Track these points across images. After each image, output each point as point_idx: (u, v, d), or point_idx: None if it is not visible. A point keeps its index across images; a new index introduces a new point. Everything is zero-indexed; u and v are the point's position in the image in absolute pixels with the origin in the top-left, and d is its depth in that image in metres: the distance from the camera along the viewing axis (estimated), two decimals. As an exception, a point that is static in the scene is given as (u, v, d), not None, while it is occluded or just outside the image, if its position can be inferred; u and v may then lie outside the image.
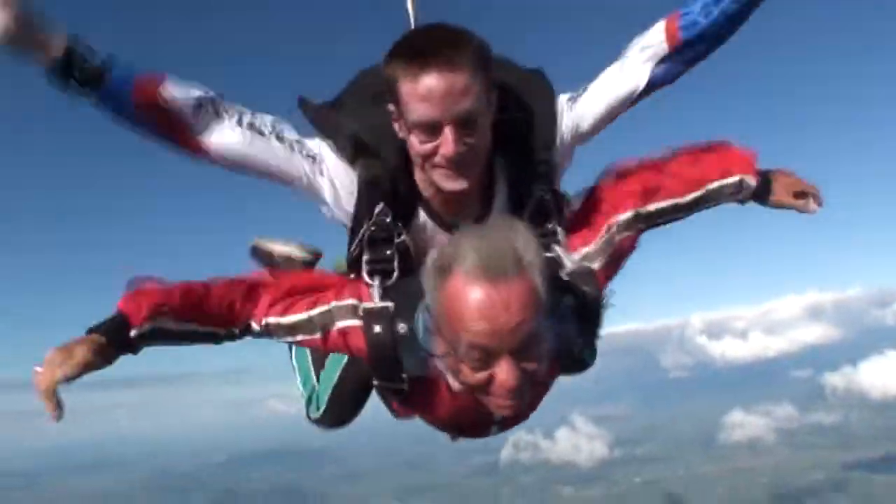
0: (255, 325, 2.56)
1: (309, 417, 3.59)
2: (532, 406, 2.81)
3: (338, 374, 3.32)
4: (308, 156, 2.57)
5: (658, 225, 2.76)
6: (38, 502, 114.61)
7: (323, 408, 3.46)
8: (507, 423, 2.78)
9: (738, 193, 2.80)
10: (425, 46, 2.29)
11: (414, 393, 2.48)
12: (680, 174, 2.76)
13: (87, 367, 2.20)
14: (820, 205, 2.82)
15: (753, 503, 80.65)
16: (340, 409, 3.44)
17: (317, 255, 3.85)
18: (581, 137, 2.65)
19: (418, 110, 2.28)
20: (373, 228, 2.52)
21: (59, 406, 2.16)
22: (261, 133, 2.53)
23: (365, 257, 2.54)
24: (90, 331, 2.29)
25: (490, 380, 2.04)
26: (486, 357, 2.00)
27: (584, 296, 2.29)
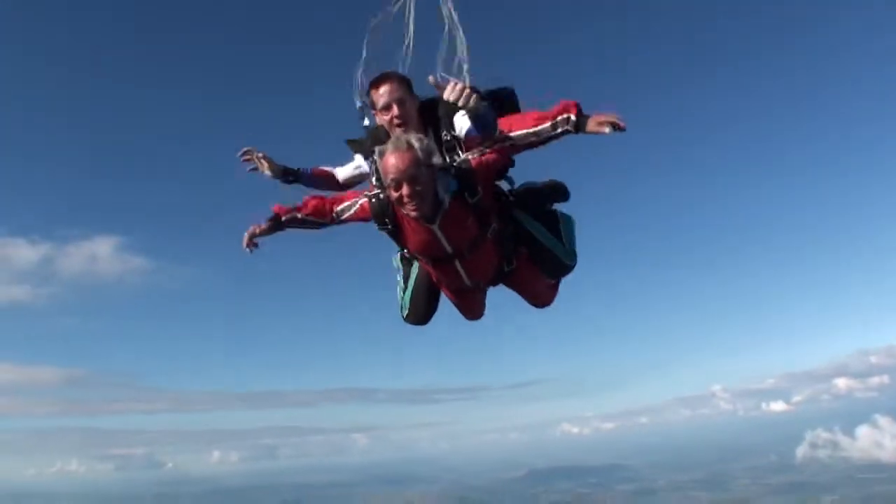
0: (335, 214, 5.34)
1: (403, 318, 5.93)
2: (482, 264, 5.30)
3: (413, 282, 5.79)
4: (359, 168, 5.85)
5: (520, 147, 4.88)
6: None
7: (407, 307, 5.86)
8: (472, 268, 5.29)
9: (567, 124, 4.63)
10: (380, 77, 5.30)
11: (398, 233, 5.13)
12: (534, 116, 4.83)
13: (265, 231, 5.45)
14: (618, 129, 4.40)
15: None
16: (416, 307, 5.83)
17: None
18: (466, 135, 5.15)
19: (379, 101, 5.22)
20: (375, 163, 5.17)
21: (251, 245, 5.44)
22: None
23: (373, 180, 5.41)
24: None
25: (401, 195, 4.71)
26: (397, 184, 4.69)
27: (461, 168, 4.91)
